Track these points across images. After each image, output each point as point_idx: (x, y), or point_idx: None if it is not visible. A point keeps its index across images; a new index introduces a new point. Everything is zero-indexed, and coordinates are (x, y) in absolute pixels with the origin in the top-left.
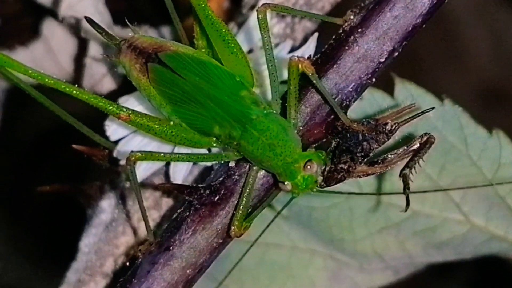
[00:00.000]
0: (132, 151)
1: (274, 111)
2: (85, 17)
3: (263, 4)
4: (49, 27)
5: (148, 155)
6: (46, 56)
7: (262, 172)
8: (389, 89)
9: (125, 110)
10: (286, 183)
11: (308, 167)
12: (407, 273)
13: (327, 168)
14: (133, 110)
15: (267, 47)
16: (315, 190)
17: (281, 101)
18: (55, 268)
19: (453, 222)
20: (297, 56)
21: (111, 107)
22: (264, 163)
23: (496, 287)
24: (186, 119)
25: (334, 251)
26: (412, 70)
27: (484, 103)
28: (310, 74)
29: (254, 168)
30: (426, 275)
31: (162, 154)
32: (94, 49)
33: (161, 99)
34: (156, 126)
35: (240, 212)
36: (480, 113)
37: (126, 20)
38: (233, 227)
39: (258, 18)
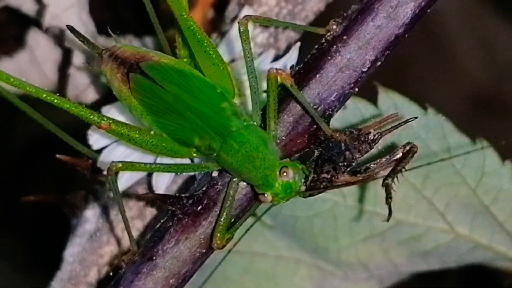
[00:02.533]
0: (113, 162)
1: (255, 123)
2: (67, 26)
3: (245, 16)
4: (34, 37)
5: (129, 165)
6: (30, 66)
7: (244, 183)
8: (372, 98)
9: (106, 119)
10: (266, 194)
11: (284, 173)
12: (392, 282)
13: (310, 178)
14: (114, 120)
15: (248, 59)
16: (293, 195)
17: (261, 112)
18: (39, 277)
19: (438, 231)
20: (276, 68)
21: (92, 116)
22: (244, 175)
23: None
24: (166, 130)
25: (319, 260)
26: (400, 78)
27: (473, 111)
28: (290, 86)
29: (235, 179)
30: (410, 284)
31: (143, 165)
32: (79, 59)
33: (142, 109)
34: (137, 136)
35: (222, 223)
36: (468, 121)
37: (109, 29)
38: (215, 239)
39: (239, 30)
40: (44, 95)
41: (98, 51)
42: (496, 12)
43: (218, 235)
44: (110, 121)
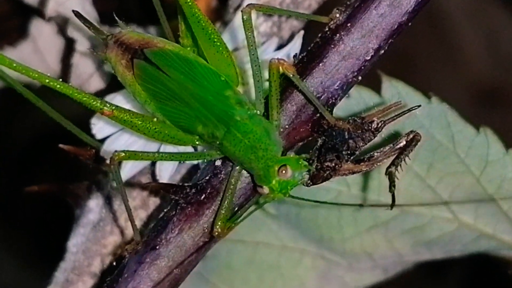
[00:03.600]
0: (115, 151)
1: (258, 112)
2: (73, 11)
3: (248, 5)
4: (37, 27)
5: (132, 155)
6: (33, 56)
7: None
8: (376, 87)
9: (108, 105)
10: (263, 187)
11: (283, 171)
12: (396, 272)
13: (312, 170)
14: (116, 106)
15: (251, 47)
16: (287, 195)
17: (264, 101)
18: (43, 267)
19: (442, 220)
20: (277, 58)
21: (94, 103)
22: (245, 164)
23: (485, 285)
24: (170, 117)
25: (323, 250)
26: (404, 69)
27: (477, 102)
28: (292, 76)
29: (237, 168)
30: (415, 274)
31: (146, 154)
32: (83, 47)
33: (146, 96)
34: (140, 123)
35: (223, 212)
36: (473, 112)
37: (115, 15)
38: (216, 228)
39: (243, 18)
40: (47, 81)
41: (103, 36)
42: (501, 4)
43: (219, 223)
44: (113, 108)
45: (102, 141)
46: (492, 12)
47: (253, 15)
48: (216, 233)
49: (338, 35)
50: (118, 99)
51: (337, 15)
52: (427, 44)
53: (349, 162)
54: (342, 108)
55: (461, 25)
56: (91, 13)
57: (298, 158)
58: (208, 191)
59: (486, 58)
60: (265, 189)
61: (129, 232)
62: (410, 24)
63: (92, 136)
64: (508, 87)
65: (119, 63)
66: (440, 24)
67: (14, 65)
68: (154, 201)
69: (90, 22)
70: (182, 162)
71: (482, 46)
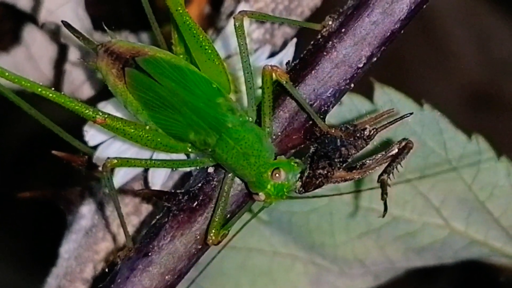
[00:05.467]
0: (108, 158)
1: (250, 119)
2: (62, 21)
3: (240, 12)
4: (30, 33)
5: (124, 162)
6: (26, 62)
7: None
8: (368, 94)
9: (101, 114)
10: (259, 194)
11: (276, 175)
12: (388, 278)
13: (306, 173)
14: (109, 114)
15: (243, 54)
16: (284, 198)
17: (257, 108)
18: (35, 273)
19: (433, 227)
20: (271, 65)
21: (87, 111)
22: (238, 171)
23: None
24: (162, 125)
25: (314, 256)
26: (397, 74)
27: (469, 106)
28: (285, 82)
29: (229, 175)
30: (406, 280)
31: (139, 161)
32: (74, 55)
33: (137, 104)
34: (132, 131)
35: (217, 219)
36: (464, 116)
37: (103, 25)
38: (210, 235)
39: (235, 25)
40: (39, 89)
41: (93, 46)
42: (492, 9)
43: (213, 231)
44: (106, 116)
45: (95, 147)
46: (483, 17)
47: (246, 22)
48: (210, 241)
49: (330, 42)
50: (109, 107)
51: (330, 23)
52: (419, 48)
53: (341, 169)
54: (334, 116)
55: (452, 30)
56: (84, 19)
57: (289, 161)
58: (201, 198)
59: (478, 63)
60: (261, 196)
61: (122, 238)
62: (402, 31)
63: (85, 142)
64: (499, 91)
65: (110, 72)
66: (432, 29)
67: (7, 74)
68: (146, 208)
69: (79, 32)
70: (174, 169)
71: (474, 50)
